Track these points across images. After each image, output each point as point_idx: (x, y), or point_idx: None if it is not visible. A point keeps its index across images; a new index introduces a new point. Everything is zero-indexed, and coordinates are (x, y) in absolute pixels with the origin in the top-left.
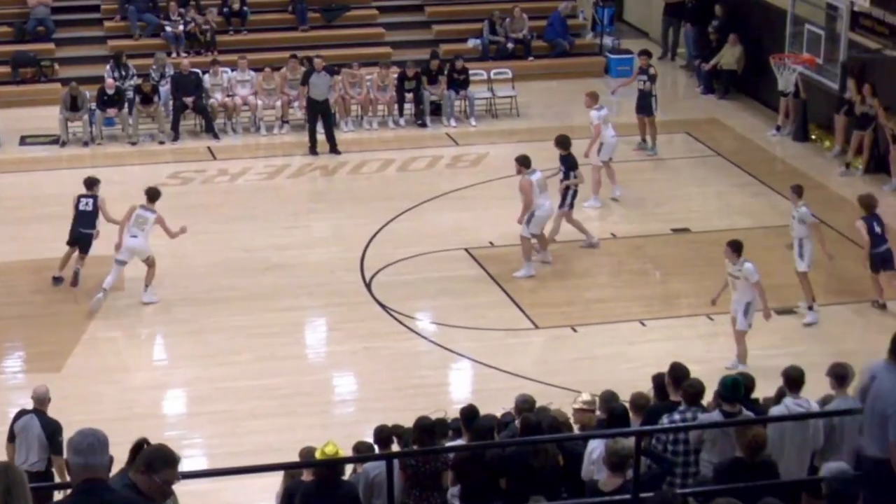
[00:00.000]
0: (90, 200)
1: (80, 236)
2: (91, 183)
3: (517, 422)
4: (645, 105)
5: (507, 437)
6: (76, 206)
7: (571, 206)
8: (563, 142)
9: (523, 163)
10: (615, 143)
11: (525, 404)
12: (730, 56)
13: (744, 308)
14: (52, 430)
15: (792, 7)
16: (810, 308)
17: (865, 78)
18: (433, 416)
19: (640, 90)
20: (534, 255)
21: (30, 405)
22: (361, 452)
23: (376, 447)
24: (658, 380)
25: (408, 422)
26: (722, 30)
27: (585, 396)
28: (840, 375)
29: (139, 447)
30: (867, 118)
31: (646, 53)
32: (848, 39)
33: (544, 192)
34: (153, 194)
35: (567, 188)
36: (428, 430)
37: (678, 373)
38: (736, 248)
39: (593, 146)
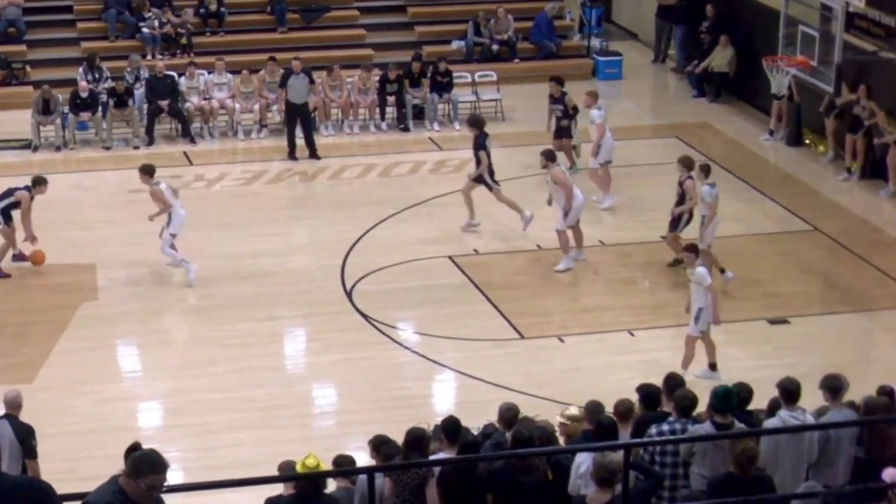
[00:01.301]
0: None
1: None
2: (38, 181)
3: (507, 434)
4: (563, 129)
5: (490, 447)
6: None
7: (496, 183)
8: (475, 122)
9: (549, 157)
10: (614, 145)
11: (509, 412)
12: (721, 58)
13: (696, 314)
14: (24, 433)
15: (785, 8)
16: (722, 271)
17: (860, 80)
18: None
19: (558, 118)
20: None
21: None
22: (342, 466)
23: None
24: (644, 390)
25: (389, 434)
26: (713, 31)
27: (573, 411)
28: (834, 387)
29: (132, 450)
30: (859, 121)
31: (556, 80)
32: (843, 41)
33: (574, 183)
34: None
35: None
36: (413, 442)
37: (673, 383)
38: (694, 250)
39: (597, 147)
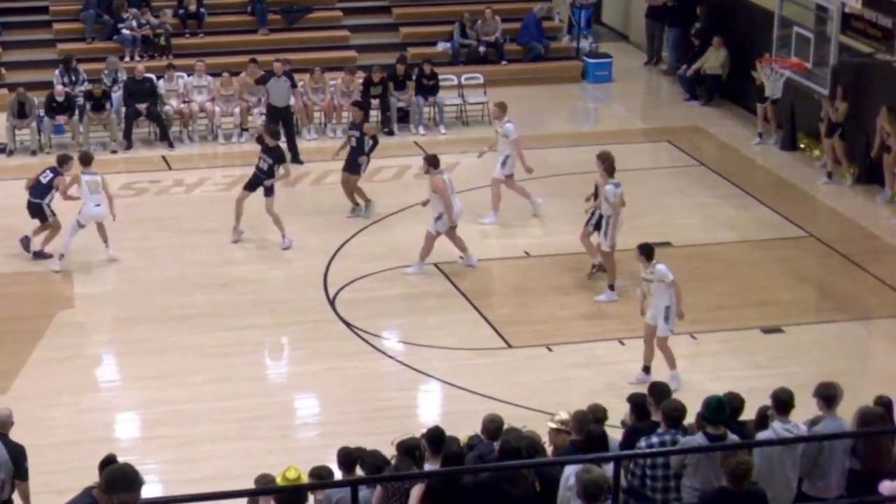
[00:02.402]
0: (50, 173)
1: (29, 205)
2: (63, 160)
3: (494, 444)
4: (352, 162)
5: (475, 458)
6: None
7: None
8: (272, 132)
9: (432, 162)
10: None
11: (493, 424)
12: (714, 60)
13: (664, 314)
14: (17, 454)
15: (779, 9)
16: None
17: (839, 81)
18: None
19: (352, 147)
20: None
21: None
22: (320, 477)
23: (339, 471)
24: (635, 399)
25: (373, 446)
26: (704, 32)
27: (563, 415)
28: (828, 396)
29: (107, 463)
30: (833, 125)
31: (357, 105)
32: (838, 43)
33: (454, 192)
34: (87, 158)
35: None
36: (407, 451)
37: (660, 392)
38: (645, 251)
39: (523, 158)
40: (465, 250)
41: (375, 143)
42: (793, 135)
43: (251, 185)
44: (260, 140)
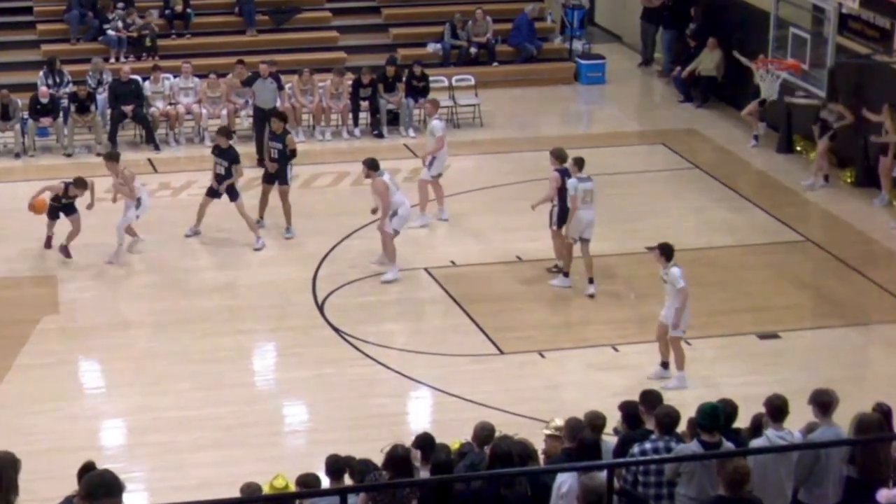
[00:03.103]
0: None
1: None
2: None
3: (486, 449)
4: (270, 174)
5: (465, 467)
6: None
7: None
8: (224, 133)
9: (371, 166)
10: (446, 159)
11: (483, 432)
12: (709, 62)
13: (675, 314)
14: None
15: (776, 9)
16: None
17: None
18: (390, 448)
19: (273, 159)
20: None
21: None
22: (307, 485)
23: (328, 479)
24: (627, 407)
25: (363, 454)
26: (699, 33)
27: (558, 422)
28: (823, 403)
29: (86, 470)
30: (825, 125)
31: (279, 116)
32: (836, 44)
33: (398, 190)
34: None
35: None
36: (400, 459)
37: (651, 399)
38: (665, 251)
39: (432, 158)
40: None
41: (293, 155)
42: (788, 137)
43: (212, 192)
44: (216, 145)
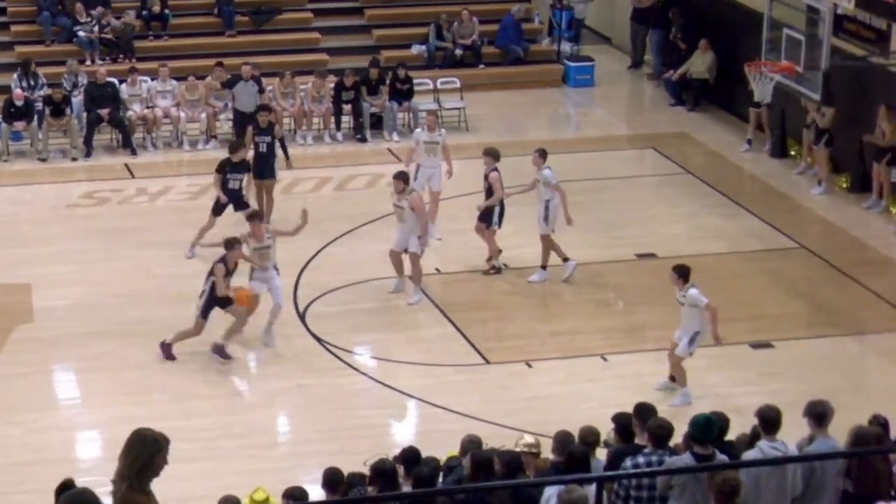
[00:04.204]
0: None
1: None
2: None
3: (464, 461)
4: (269, 167)
5: (454, 482)
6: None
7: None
8: (239, 146)
9: (407, 180)
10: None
11: (472, 445)
12: (700, 64)
13: (690, 335)
14: None
15: (769, 10)
16: (544, 267)
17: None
18: (374, 460)
19: (262, 154)
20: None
21: None
22: (294, 498)
23: (323, 491)
24: (620, 420)
25: (345, 467)
26: (685, 34)
27: (528, 439)
28: (818, 414)
29: (64, 488)
30: (819, 131)
31: (264, 108)
32: (831, 45)
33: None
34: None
35: None
36: (387, 473)
37: (645, 413)
38: (681, 273)
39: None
40: (402, 274)
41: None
42: (783, 141)
43: (220, 209)
44: (230, 161)
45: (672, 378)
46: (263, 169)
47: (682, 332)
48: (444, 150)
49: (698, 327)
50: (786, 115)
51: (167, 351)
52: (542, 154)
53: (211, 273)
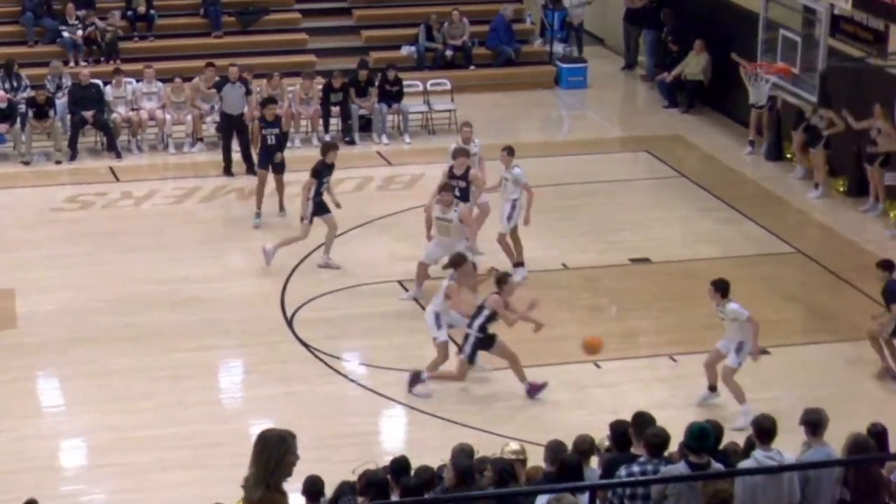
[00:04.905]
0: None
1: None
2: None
3: (446, 472)
4: (276, 164)
5: (441, 491)
6: None
7: None
8: (270, 102)
9: (460, 196)
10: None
11: (462, 454)
12: (695, 65)
13: (736, 345)
14: None
15: (765, 10)
16: (519, 265)
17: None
18: (362, 469)
19: (268, 146)
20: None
21: None
22: None
23: (304, 499)
24: (617, 428)
25: (333, 475)
26: (676, 36)
27: (513, 446)
28: (813, 423)
29: None
30: (817, 133)
31: (270, 101)
32: (827, 46)
33: None
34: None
35: None
36: (379, 484)
37: (643, 422)
38: (720, 288)
39: None
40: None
41: (286, 137)
42: (778, 144)
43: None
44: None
45: (712, 388)
46: (270, 160)
47: (726, 341)
48: (480, 163)
49: (741, 337)
50: (781, 118)
51: (415, 381)
52: (511, 152)
53: (483, 310)
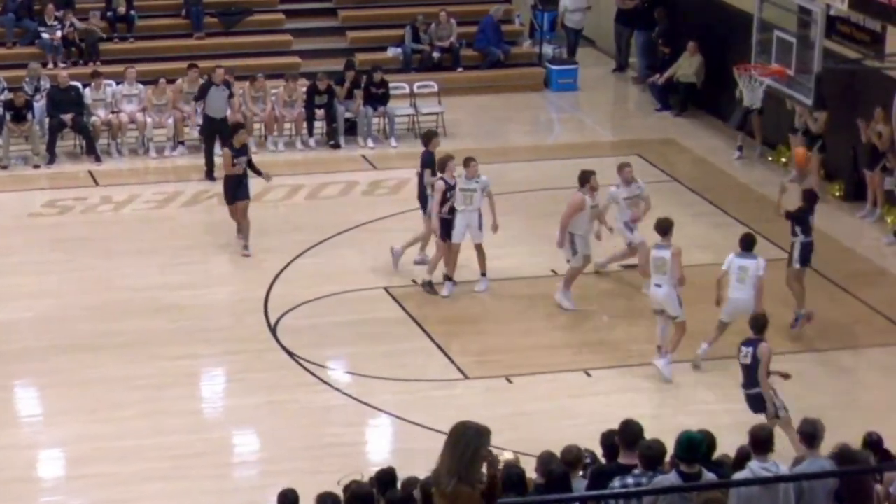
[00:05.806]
0: None
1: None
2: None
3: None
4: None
5: None
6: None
7: None
8: (433, 135)
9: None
10: None
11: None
12: (688, 67)
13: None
14: None
15: (759, 11)
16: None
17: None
18: (347, 480)
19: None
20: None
21: None
22: None
23: None
24: (608, 439)
25: (317, 486)
26: (666, 37)
27: (508, 455)
28: (808, 434)
29: None
30: (811, 135)
31: (241, 126)
32: (823, 48)
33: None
34: (665, 226)
35: None
36: (364, 497)
37: (630, 432)
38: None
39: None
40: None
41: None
42: (773, 147)
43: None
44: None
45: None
46: (237, 191)
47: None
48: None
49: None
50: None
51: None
52: (476, 161)
53: None
